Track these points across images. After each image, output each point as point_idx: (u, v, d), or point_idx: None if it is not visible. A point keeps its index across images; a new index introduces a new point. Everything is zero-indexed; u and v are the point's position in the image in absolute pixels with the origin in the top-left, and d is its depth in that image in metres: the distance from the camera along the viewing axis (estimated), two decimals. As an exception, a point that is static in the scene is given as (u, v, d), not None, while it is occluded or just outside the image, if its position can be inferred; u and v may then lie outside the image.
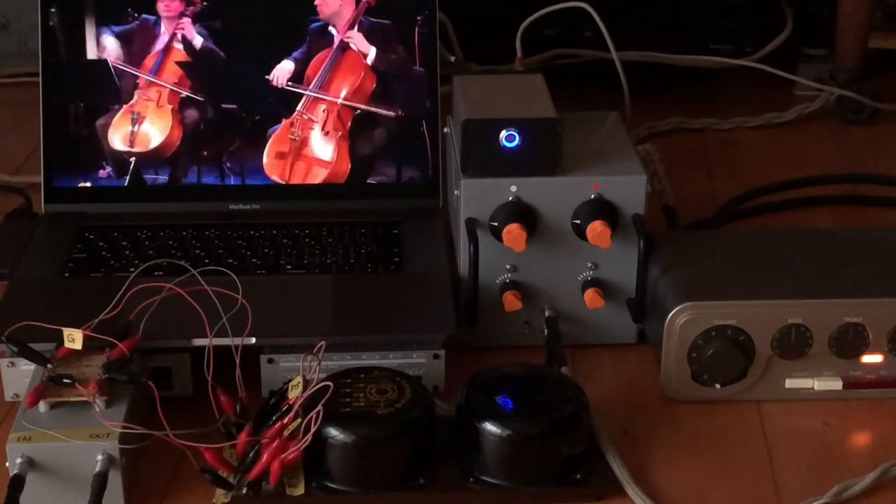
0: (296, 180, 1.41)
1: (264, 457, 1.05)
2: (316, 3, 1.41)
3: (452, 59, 1.69)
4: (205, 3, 1.41)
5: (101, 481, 1.04)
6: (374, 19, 1.42)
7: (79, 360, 1.13)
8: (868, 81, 1.82)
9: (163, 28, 1.41)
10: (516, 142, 1.25)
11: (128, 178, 1.41)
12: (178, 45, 1.42)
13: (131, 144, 1.41)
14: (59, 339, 1.11)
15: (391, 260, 1.32)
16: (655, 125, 1.77)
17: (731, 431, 1.19)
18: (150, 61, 1.41)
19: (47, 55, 1.41)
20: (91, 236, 1.36)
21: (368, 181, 1.42)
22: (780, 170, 1.66)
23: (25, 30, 1.94)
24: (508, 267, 1.28)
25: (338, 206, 1.41)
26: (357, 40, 1.42)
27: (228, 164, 1.42)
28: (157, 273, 1.26)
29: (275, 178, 1.41)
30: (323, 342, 1.11)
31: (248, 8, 1.42)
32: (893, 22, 1.86)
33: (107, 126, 1.41)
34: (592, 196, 1.25)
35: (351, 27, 1.42)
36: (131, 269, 1.23)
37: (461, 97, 1.33)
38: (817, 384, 1.21)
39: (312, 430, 1.03)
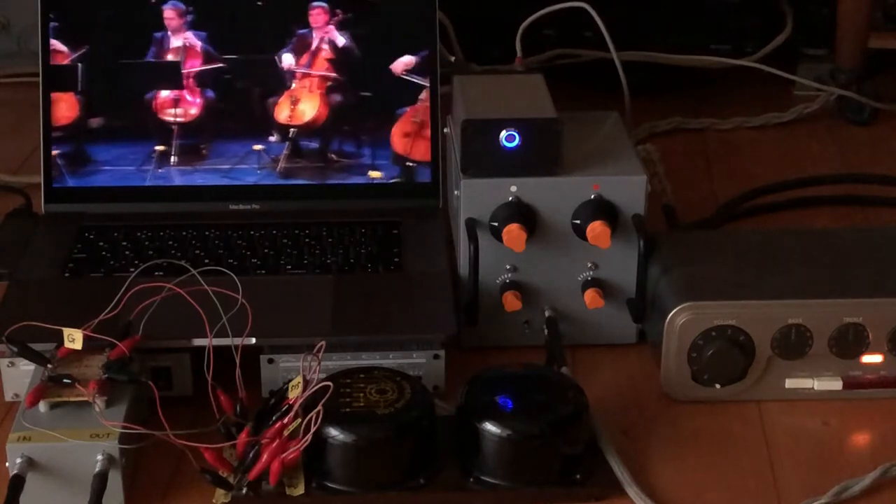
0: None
1: (264, 457, 1.05)
2: None
3: (452, 59, 1.69)
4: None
5: (101, 481, 1.04)
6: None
7: (79, 360, 1.13)
8: (868, 81, 1.82)
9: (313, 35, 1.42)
10: (516, 142, 1.25)
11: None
12: (325, 47, 1.42)
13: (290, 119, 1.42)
14: (59, 339, 1.11)
15: (391, 260, 1.32)
16: (655, 125, 1.77)
17: (731, 431, 1.19)
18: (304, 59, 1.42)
19: (47, 55, 1.41)
20: (91, 236, 1.36)
21: (368, 181, 1.42)
22: (779, 170, 1.66)
23: (25, 30, 1.94)
24: (508, 267, 1.28)
25: (338, 206, 1.41)
26: None
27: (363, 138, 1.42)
28: (157, 273, 1.26)
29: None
30: (323, 342, 1.11)
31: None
32: (893, 22, 1.86)
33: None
34: (592, 196, 1.25)
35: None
36: (131, 269, 1.23)
37: (461, 97, 1.33)
38: (817, 384, 1.21)
39: (312, 430, 1.03)
